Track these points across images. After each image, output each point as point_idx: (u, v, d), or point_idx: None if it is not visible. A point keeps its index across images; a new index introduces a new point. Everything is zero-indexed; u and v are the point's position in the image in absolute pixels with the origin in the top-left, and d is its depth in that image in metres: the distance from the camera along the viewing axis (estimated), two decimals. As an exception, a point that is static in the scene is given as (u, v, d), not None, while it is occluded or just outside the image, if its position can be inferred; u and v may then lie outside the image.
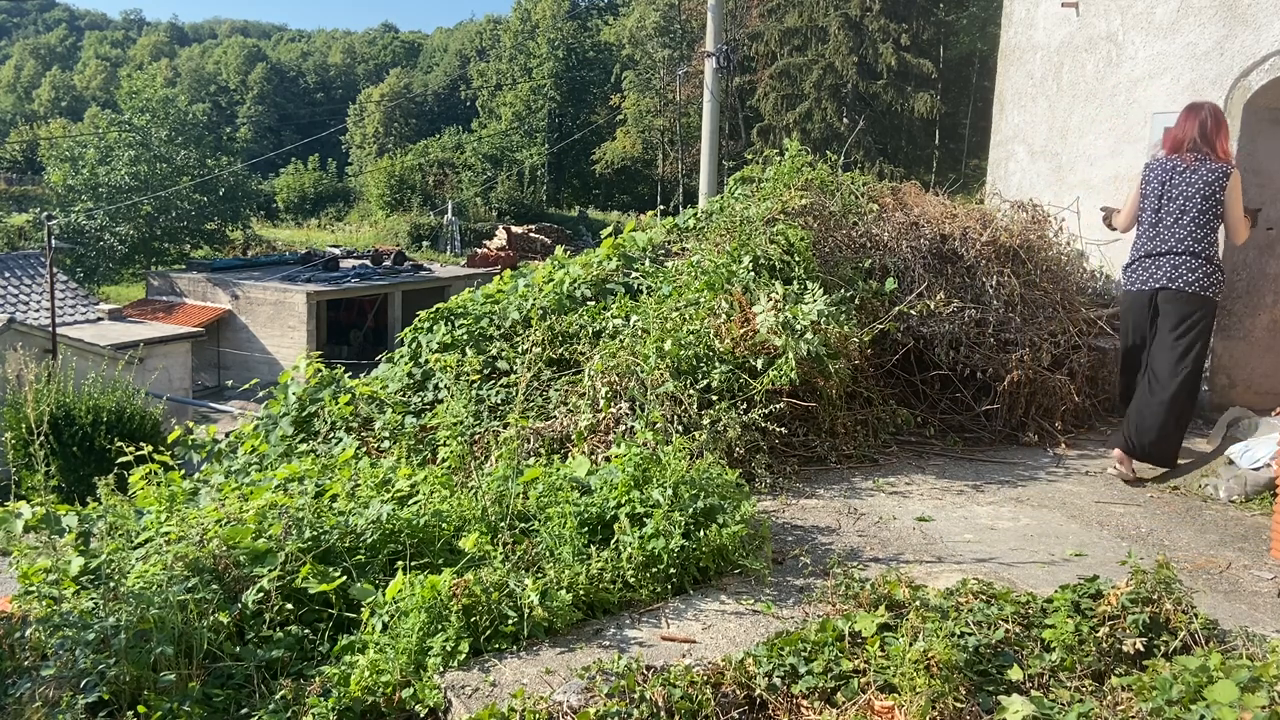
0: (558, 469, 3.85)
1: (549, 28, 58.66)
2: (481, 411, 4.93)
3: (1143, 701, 2.43)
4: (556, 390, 4.98)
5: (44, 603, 3.16)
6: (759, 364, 4.66)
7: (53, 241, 20.34)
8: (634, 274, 5.95)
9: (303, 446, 5.16)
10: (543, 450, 4.57)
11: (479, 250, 38.29)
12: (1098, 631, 2.76)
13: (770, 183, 6.30)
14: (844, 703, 2.60)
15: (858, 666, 2.70)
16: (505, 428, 4.58)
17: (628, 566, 3.26)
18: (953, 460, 5.11)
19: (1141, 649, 2.70)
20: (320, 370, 5.65)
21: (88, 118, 59.49)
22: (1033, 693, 2.59)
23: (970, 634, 2.77)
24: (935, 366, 5.51)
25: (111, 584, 3.18)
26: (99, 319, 22.51)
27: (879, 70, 35.25)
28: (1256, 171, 5.88)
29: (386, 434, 5.04)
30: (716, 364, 4.65)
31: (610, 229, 6.64)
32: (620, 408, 4.65)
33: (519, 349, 5.29)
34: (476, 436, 4.75)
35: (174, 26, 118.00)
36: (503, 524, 3.50)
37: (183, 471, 4.86)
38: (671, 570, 3.32)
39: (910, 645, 2.63)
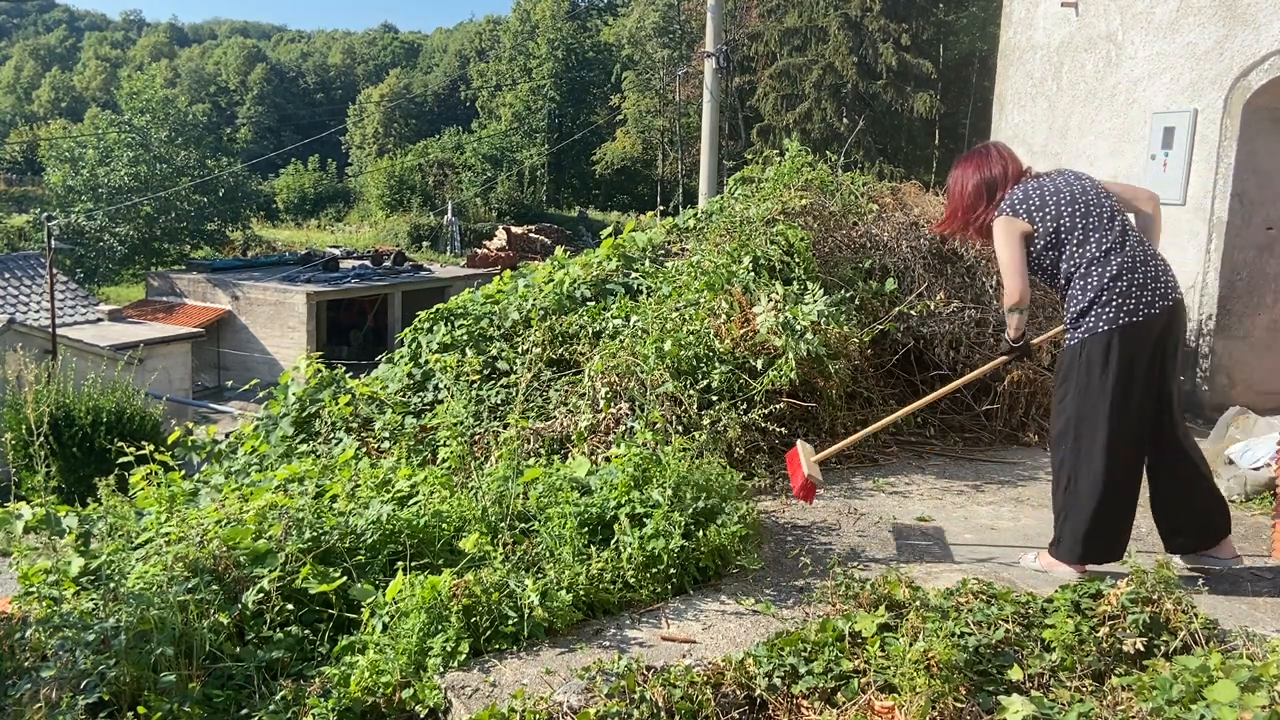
0: (558, 469, 3.85)
1: (549, 28, 58.60)
2: (481, 412, 4.93)
3: (1143, 701, 2.43)
4: (556, 391, 4.98)
5: (44, 603, 3.16)
6: (759, 364, 4.66)
7: (53, 242, 20.34)
8: (634, 274, 5.95)
9: (303, 447, 5.16)
10: (543, 450, 4.56)
11: (479, 250, 38.24)
12: (1098, 631, 2.75)
13: (770, 183, 6.31)
14: (844, 703, 2.60)
15: (858, 666, 2.70)
16: (505, 428, 4.59)
17: (628, 567, 3.26)
18: (953, 460, 5.10)
19: (1141, 649, 2.70)
20: (320, 371, 5.64)
21: (88, 118, 59.43)
22: (1033, 693, 2.59)
23: (970, 634, 2.76)
24: (935, 366, 5.51)
25: (112, 585, 3.19)
26: (99, 319, 22.50)
27: (879, 70, 35.19)
28: (1256, 171, 5.88)
29: (386, 434, 5.04)
30: (716, 364, 4.65)
31: (610, 229, 6.64)
32: (620, 408, 4.65)
33: (519, 349, 5.29)
34: (476, 437, 4.74)
35: (174, 27, 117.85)
36: (503, 524, 3.50)
37: (183, 472, 4.86)
38: (671, 570, 3.32)
39: (910, 645, 2.63)
